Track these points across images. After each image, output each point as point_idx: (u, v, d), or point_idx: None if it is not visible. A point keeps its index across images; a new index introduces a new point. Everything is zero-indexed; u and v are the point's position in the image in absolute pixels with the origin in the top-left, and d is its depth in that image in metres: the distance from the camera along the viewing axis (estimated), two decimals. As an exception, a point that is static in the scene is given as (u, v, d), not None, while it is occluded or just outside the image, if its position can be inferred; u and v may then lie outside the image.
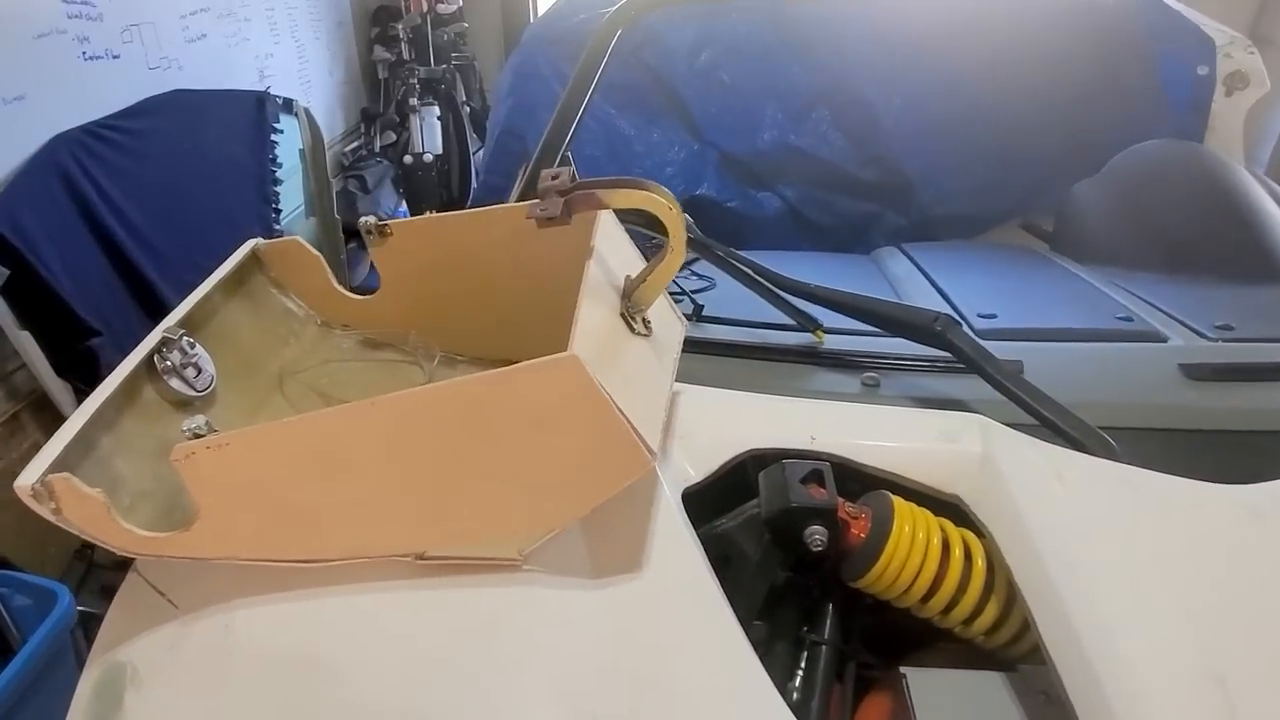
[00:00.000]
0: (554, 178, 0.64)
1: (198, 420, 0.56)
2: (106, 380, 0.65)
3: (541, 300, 0.82)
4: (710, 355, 0.91)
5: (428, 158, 3.48)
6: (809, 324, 0.92)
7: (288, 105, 2.89)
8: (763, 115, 2.02)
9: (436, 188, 3.57)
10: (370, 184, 3.32)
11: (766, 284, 0.93)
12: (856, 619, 0.77)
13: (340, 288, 0.85)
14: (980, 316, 0.99)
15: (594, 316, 0.61)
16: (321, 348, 0.84)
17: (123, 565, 1.97)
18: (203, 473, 0.57)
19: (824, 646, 0.72)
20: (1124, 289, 1.13)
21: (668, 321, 0.73)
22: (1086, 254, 1.38)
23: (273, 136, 2.75)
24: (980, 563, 0.69)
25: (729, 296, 1.03)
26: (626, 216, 0.73)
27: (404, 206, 3.42)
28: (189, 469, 0.56)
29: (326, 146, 3.08)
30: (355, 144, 3.62)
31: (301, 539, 0.61)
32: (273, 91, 2.84)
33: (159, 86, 2.36)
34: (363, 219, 0.79)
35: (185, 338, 0.70)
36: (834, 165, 1.99)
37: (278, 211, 2.75)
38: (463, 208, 3.65)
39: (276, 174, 2.74)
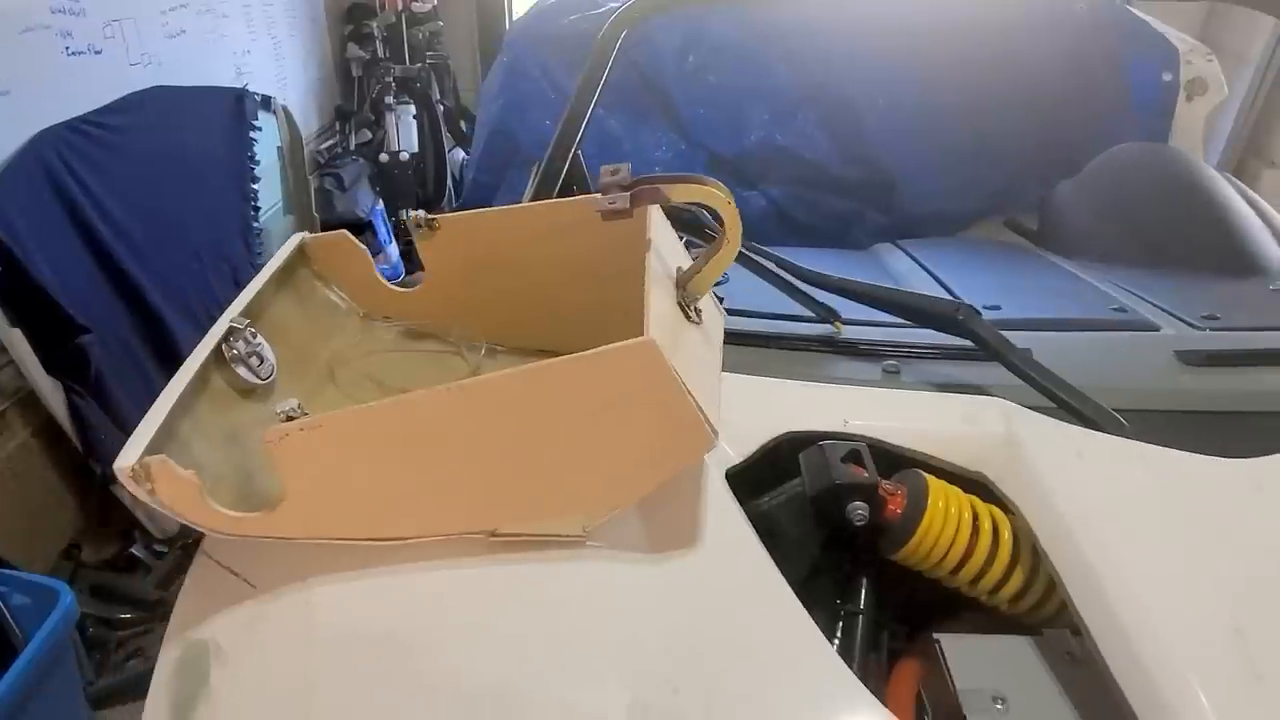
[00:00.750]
0: (614, 173, 0.68)
1: (290, 403, 0.59)
2: (182, 368, 0.67)
3: (580, 292, 0.86)
4: (735, 345, 0.95)
5: (404, 156, 3.48)
6: (829, 315, 0.97)
7: (266, 102, 2.88)
8: (750, 116, 2.07)
9: (413, 186, 3.58)
10: (347, 182, 3.31)
11: (789, 277, 0.98)
12: (885, 591, 0.81)
13: (383, 280, 0.88)
14: (986, 308, 1.05)
15: (661, 304, 0.64)
16: (366, 339, 0.87)
17: (111, 565, 1.94)
18: (292, 454, 0.59)
19: (860, 616, 0.77)
20: (1111, 282, 1.20)
21: (711, 311, 0.77)
22: (1071, 250, 1.46)
23: (251, 134, 2.74)
24: (1006, 534, 0.74)
25: (745, 289, 1.07)
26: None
27: (380, 205, 3.41)
28: (281, 450, 0.58)
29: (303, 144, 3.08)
30: (330, 142, 3.59)
31: (380, 518, 0.63)
32: (250, 88, 2.82)
33: (140, 83, 2.34)
34: (412, 213, 0.82)
35: (249, 328, 0.72)
36: (819, 165, 2.04)
37: (256, 209, 2.74)
38: (440, 206, 3.66)
39: (254, 171, 2.73)
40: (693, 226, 1.12)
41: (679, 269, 0.73)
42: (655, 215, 0.75)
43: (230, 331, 0.71)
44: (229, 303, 2.11)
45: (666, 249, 0.73)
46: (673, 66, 2.10)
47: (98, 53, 2.21)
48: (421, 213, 0.82)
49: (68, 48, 2.09)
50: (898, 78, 1.98)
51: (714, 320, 0.77)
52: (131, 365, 2.11)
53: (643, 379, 0.59)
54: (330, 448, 0.60)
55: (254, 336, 0.73)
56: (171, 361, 2.21)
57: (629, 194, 0.65)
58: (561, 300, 0.86)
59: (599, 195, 0.67)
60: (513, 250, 0.85)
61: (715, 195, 0.65)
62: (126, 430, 1.88)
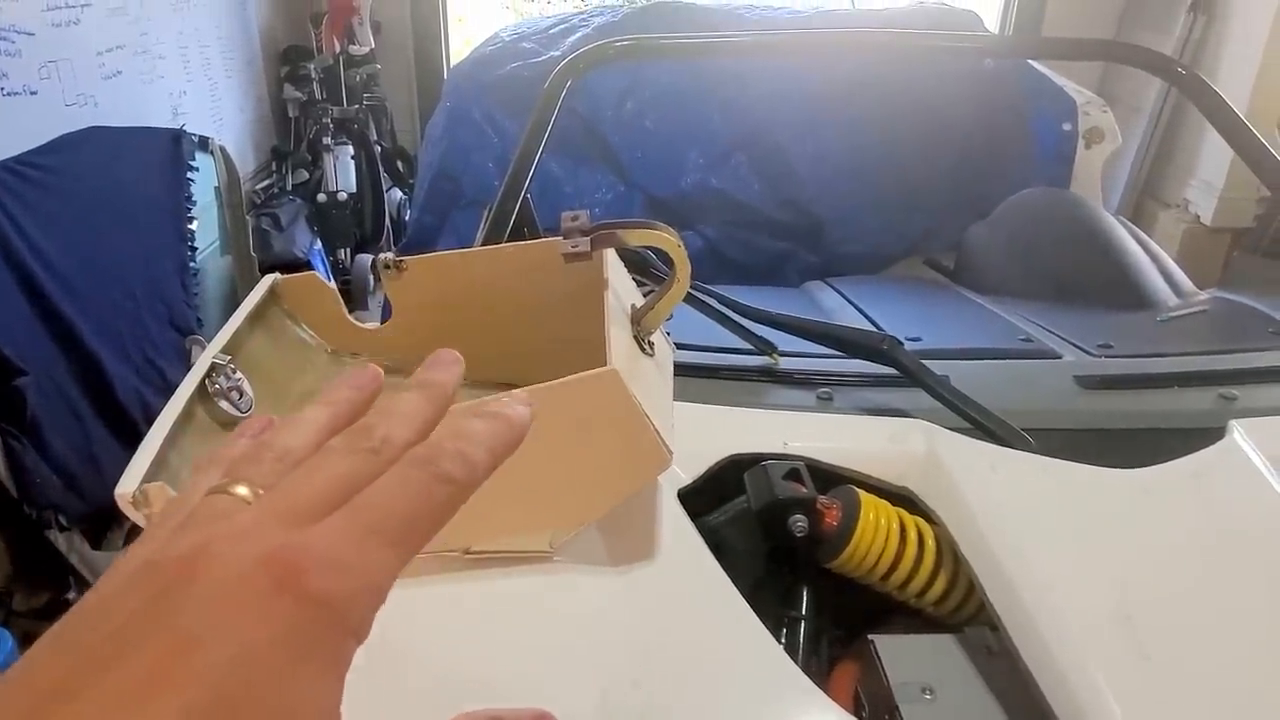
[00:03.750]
0: (574, 219, 0.75)
1: (282, 432, 0.63)
2: (170, 401, 0.71)
3: (538, 329, 0.92)
4: (681, 376, 1.02)
5: (342, 196, 3.50)
6: (767, 348, 1.05)
7: (203, 143, 2.88)
8: (685, 160, 2.18)
9: (351, 226, 3.60)
10: (284, 222, 3.31)
11: (730, 313, 1.06)
12: (824, 599, 0.89)
13: (350, 318, 0.93)
14: (908, 339, 1.14)
15: (619, 338, 0.71)
16: (335, 374, 0.91)
17: (44, 613, 1.90)
18: (283, 478, 0.64)
19: (801, 621, 0.84)
20: (1019, 315, 1.32)
21: (662, 345, 0.85)
22: (983, 286, 1.58)
23: (188, 174, 2.74)
24: (930, 543, 0.82)
25: (688, 324, 1.15)
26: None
27: (319, 244, 3.42)
28: (274, 475, 0.63)
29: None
30: (266, 182, 3.60)
31: (362, 538, 0.68)
32: (186, 129, 2.83)
33: (76, 123, 2.33)
34: (381, 255, 0.87)
35: (230, 364, 0.76)
36: (751, 207, 2.16)
37: (193, 249, 2.73)
38: (377, 245, 3.68)
39: (191, 211, 2.73)
40: (639, 267, 1.20)
41: (633, 306, 0.80)
42: (611, 257, 0.82)
43: (213, 367, 0.75)
44: (165, 344, 2.14)
45: (622, 288, 0.80)
46: (611, 112, 2.20)
47: (34, 93, 2.20)
48: (390, 255, 0.88)
49: (3, 88, 2.08)
50: (825, 127, 2.12)
51: (664, 353, 0.84)
52: (66, 407, 2.08)
53: (607, 405, 0.66)
54: (318, 473, 0.64)
55: (234, 372, 0.77)
56: (107, 403, 2.19)
57: (589, 238, 0.72)
58: (520, 336, 0.93)
59: (561, 239, 0.74)
60: (476, 289, 0.91)
61: (667, 240, 0.73)
62: (62, 474, 1.85)
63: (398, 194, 3.98)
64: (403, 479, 0.29)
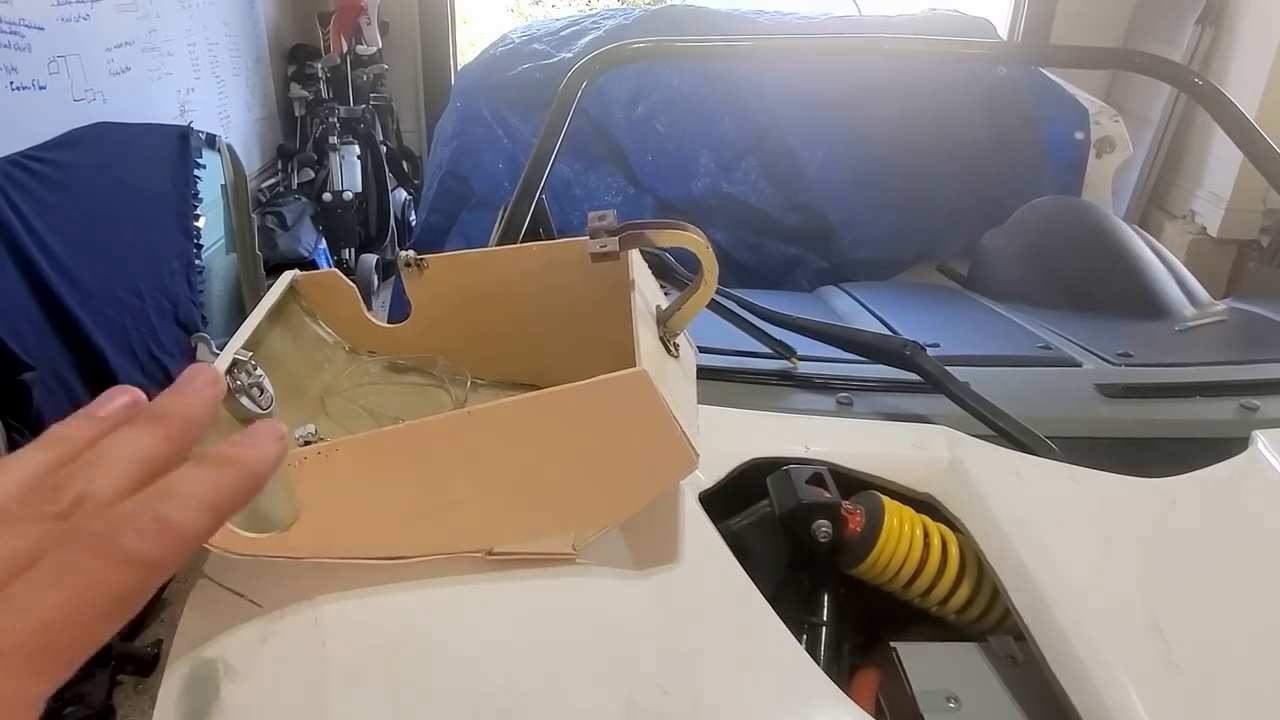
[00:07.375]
0: (601, 219, 0.74)
1: (309, 428, 0.63)
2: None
3: (559, 329, 0.92)
4: (701, 379, 1.01)
5: (347, 195, 3.49)
6: (786, 352, 1.05)
7: (210, 140, 2.87)
8: (696, 164, 2.18)
9: (356, 225, 3.59)
10: (289, 220, 3.31)
11: (750, 317, 1.06)
12: (844, 606, 0.88)
13: (370, 316, 0.92)
14: (926, 346, 1.14)
15: (646, 339, 0.71)
16: (353, 372, 0.91)
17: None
18: (309, 477, 0.63)
19: (823, 628, 0.83)
20: (1036, 322, 1.32)
21: (686, 348, 0.84)
22: (999, 293, 1.57)
23: (195, 171, 2.73)
24: (954, 550, 0.81)
25: (706, 327, 1.15)
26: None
27: (323, 243, 3.41)
28: (300, 473, 0.62)
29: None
30: (272, 180, 3.59)
31: (385, 538, 0.67)
32: (194, 126, 2.82)
33: (84, 119, 2.32)
34: (402, 253, 0.87)
35: (251, 360, 0.76)
36: (762, 211, 2.16)
37: (199, 246, 2.72)
38: (382, 245, 3.67)
39: (198, 208, 2.72)
40: (658, 269, 1.19)
41: (658, 307, 0.79)
42: (636, 258, 0.82)
43: (234, 364, 0.74)
44: (170, 341, 2.14)
45: (647, 289, 0.80)
46: (622, 115, 2.20)
47: (42, 88, 2.20)
48: (411, 253, 0.87)
49: (12, 82, 2.08)
50: (836, 133, 2.12)
51: (688, 355, 0.83)
52: (70, 403, 2.07)
53: (635, 406, 0.65)
54: (344, 470, 0.64)
55: (255, 368, 0.76)
56: (111, 399, 2.17)
57: (617, 238, 0.72)
58: (541, 336, 0.92)
59: (589, 239, 0.73)
60: (497, 289, 0.90)
61: (695, 240, 0.72)
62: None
63: (402, 194, 3.98)
64: (61, 570, 0.23)
